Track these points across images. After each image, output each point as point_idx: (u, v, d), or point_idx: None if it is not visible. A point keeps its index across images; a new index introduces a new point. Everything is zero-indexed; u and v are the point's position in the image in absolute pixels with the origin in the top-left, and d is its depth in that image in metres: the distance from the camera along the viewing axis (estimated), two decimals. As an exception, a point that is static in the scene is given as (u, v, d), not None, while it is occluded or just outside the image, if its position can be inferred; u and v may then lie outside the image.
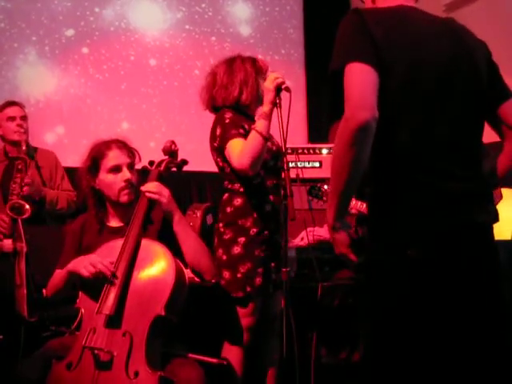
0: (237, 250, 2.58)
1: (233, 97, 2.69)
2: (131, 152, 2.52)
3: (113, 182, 2.43)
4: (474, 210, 1.67)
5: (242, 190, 2.65)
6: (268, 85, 2.46)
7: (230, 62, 2.76)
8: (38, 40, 5.00)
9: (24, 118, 3.63)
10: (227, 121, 2.60)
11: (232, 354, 2.60)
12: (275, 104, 2.43)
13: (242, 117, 2.69)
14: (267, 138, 2.49)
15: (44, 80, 5.01)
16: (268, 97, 2.46)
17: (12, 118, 3.58)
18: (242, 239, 2.59)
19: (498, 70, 1.87)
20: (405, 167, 1.64)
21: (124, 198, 2.43)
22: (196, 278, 2.88)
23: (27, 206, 3.20)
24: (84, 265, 2.21)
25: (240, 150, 2.49)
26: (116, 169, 2.44)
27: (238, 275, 2.57)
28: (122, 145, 2.50)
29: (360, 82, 1.60)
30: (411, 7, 1.80)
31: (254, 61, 2.77)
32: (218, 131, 2.61)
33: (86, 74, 5.16)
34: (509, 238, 3.23)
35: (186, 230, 2.41)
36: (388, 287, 1.64)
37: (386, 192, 1.68)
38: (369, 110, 1.55)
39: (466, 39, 1.80)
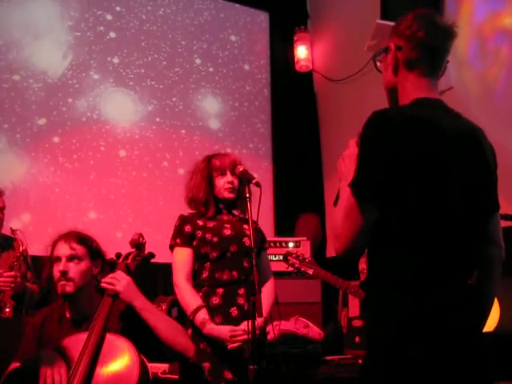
0: None
1: (187, 198, 2.93)
2: (81, 243, 2.47)
3: (54, 273, 2.44)
4: (467, 311, 1.63)
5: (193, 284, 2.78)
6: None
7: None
8: (9, 128, 5.02)
9: (3, 209, 3.57)
10: (174, 229, 2.86)
11: None
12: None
13: (196, 214, 2.89)
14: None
15: (13, 167, 4.99)
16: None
17: None
18: (189, 331, 2.64)
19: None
20: (408, 267, 1.59)
21: (59, 290, 2.41)
22: (160, 374, 2.83)
23: (8, 309, 3.35)
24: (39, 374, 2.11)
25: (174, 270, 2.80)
26: (56, 260, 2.45)
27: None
28: (71, 237, 2.47)
29: (351, 224, 1.59)
30: (436, 100, 1.74)
31: (209, 159, 2.92)
32: None
33: (55, 163, 5.17)
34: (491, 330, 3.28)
35: (153, 314, 2.37)
36: None
37: (386, 291, 1.61)
38: (348, 250, 1.60)
39: (486, 152, 1.75)
